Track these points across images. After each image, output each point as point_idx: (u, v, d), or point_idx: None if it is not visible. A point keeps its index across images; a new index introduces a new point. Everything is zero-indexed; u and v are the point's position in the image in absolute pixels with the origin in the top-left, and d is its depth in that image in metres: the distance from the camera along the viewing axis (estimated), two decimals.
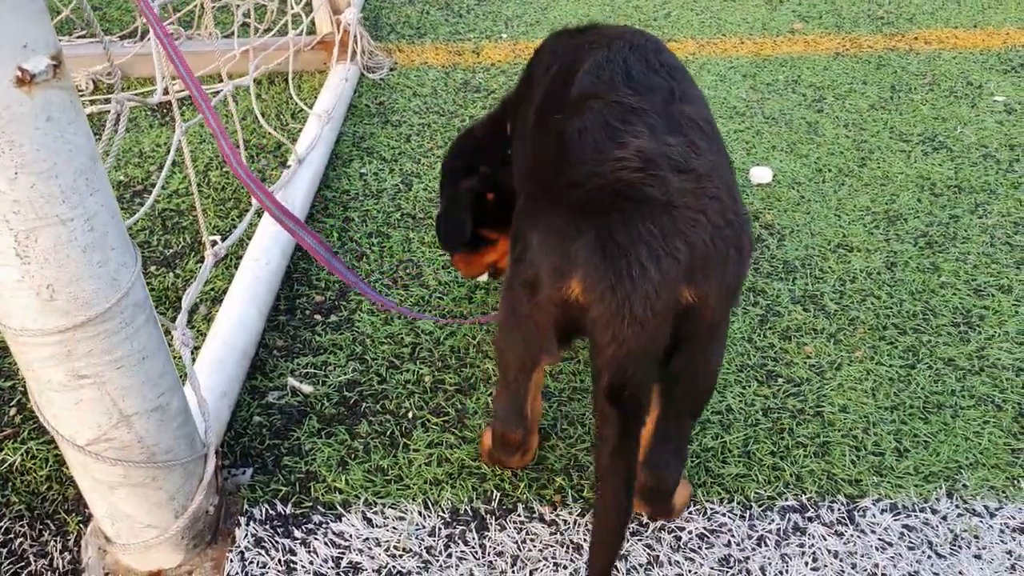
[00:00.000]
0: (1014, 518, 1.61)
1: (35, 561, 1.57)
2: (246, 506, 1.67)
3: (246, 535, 1.62)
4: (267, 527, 1.63)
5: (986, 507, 1.63)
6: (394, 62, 3.66)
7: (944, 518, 1.62)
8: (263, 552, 1.59)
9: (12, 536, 1.61)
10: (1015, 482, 1.69)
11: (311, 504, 1.68)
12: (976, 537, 1.58)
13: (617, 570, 1.53)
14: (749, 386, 1.95)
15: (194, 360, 1.86)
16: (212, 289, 2.27)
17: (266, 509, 1.67)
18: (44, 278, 1.12)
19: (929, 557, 1.55)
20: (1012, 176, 2.79)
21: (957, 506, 1.64)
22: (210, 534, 1.60)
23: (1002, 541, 1.58)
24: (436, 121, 3.18)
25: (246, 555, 1.58)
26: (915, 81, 3.48)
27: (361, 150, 2.98)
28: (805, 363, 2.01)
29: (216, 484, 1.62)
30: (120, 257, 1.22)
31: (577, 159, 1.29)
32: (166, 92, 1.67)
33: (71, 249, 1.13)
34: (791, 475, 1.71)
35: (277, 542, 1.60)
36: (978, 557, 1.55)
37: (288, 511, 1.66)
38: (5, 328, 1.17)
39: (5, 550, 1.58)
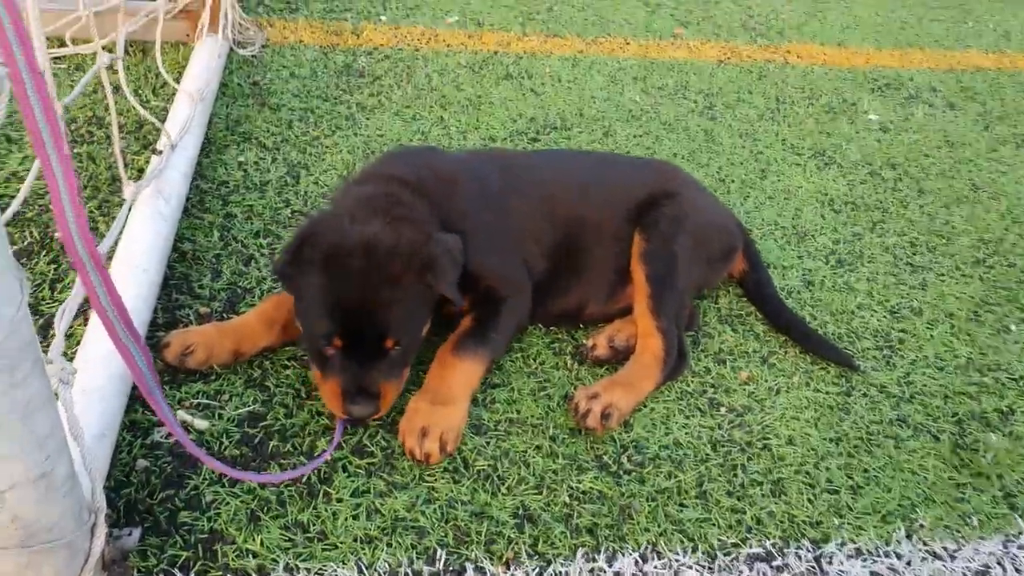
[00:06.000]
0: (973, 560, 1.59)
1: None
2: None
3: None
4: None
5: (945, 548, 1.61)
6: (266, 38, 3.29)
7: (908, 563, 1.57)
8: None
9: None
10: (967, 519, 1.68)
11: (220, 572, 1.39)
12: None
13: None
14: (692, 416, 1.84)
15: None
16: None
17: None
18: None
19: None
20: (899, 195, 2.87)
21: (919, 548, 1.60)
22: None
23: None
24: (320, 107, 2.87)
25: None
26: (796, 94, 3.54)
27: (237, 135, 2.63)
28: (744, 390, 1.93)
29: (103, 560, 1.31)
30: None
31: None
32: None
33: None
34: (752, 518, 1.62)
35: None
36: None
37: None
38: None
39: None
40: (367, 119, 2.83)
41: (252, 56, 3.11)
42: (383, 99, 2.99)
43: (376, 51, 3.35)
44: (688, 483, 1.68)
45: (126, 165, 2.35)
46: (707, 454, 1.75)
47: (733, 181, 2.81)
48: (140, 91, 2.74)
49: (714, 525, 1.60)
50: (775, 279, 2.29)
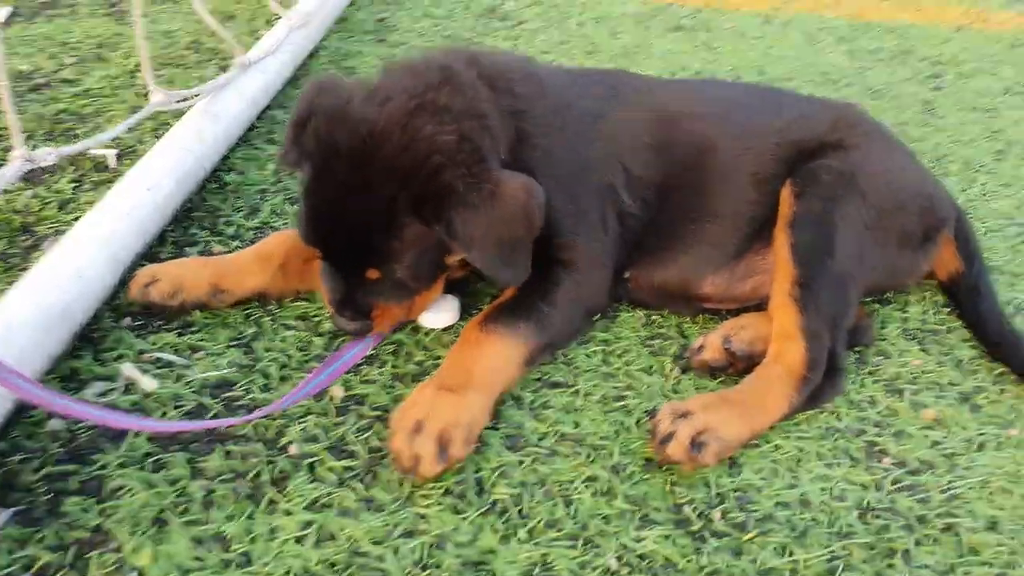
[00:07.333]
0: None
1: None
2: None
3: None
4: None
5: None
6: None
7: None
8: None
9: None
10: None
11: None
12: None
13: None
14: (838, 465, 1.23)
15: None
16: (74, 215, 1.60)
17: None
18: None
19: None
20: None
21: None
22: None
23: None
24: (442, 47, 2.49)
25: None
26: None
27: (340, 69, 2.30)
28: (926, 436, 1.29)
29: None
30: None
31: None
32: None
33: None
34: None
35: None
36: None
37: None
38: None
39: None
40: None
41: None
42: (521, 43, 2.56)
43: None
44: (811, 566, 1.08)
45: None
46: (850, 525, 1.14)
47: (953, 161, 2.11)
48: (253, 20, 2.49)
49: None
50: (1004, 290, 1.61)
